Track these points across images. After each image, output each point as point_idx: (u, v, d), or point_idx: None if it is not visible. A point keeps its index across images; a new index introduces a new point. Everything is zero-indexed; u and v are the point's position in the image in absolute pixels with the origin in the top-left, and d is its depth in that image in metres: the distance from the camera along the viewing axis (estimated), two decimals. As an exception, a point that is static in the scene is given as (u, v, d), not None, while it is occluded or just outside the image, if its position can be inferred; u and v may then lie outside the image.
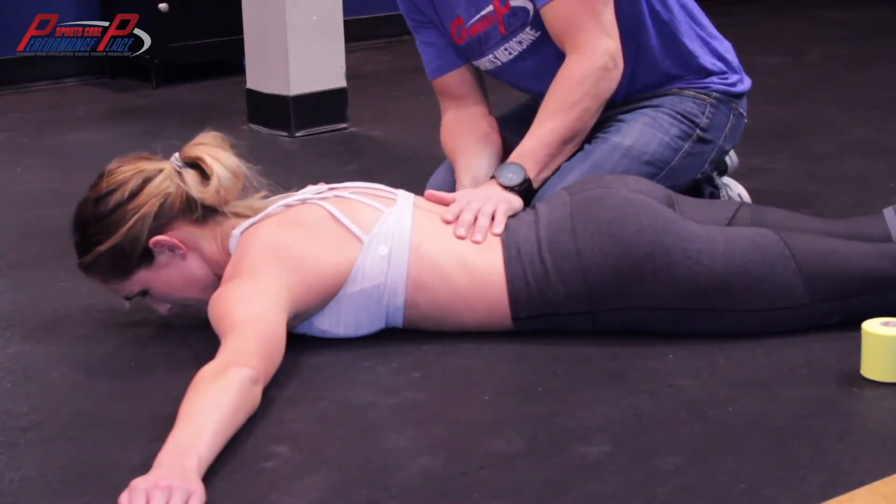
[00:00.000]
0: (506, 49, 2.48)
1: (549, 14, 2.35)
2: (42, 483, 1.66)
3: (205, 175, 2.09)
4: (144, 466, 1.68)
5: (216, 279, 2.09)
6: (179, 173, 2.09)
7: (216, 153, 2.10)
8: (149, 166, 2.09)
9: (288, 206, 2.12)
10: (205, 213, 2.09)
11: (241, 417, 1.72)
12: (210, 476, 1.65)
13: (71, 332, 2.22)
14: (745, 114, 2.60)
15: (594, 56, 2.32)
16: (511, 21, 2.43)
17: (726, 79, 2.55)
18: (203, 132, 2.14)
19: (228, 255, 2.09)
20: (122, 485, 1.63)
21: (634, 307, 2.04)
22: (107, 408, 1.88)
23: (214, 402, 1.67)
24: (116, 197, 2.06)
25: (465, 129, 2.56)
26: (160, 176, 2.08)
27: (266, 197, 2.18)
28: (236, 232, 2.09)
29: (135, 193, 2.06)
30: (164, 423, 1.82)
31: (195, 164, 2.09)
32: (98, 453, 1.74)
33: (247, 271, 1.97)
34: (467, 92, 2.60)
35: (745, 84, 2.60)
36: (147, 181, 2.07)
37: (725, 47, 2.60)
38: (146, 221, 2.05)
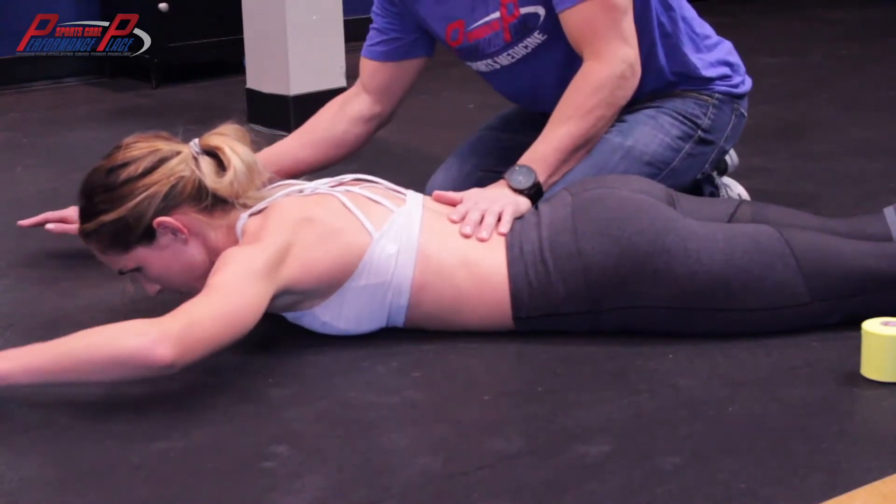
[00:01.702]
0: (509, 54, 2.47)
1: (570, 19, 2.33)
2: (42, 483, 1.66)
3: (221, 166, 2.08)
4: (144, 466, 1.68)
5: None
6: (196, 159, 2.08)
7: (235, 146, 2.09)
8: (166, 146, 2.08)
9: (301, 194, 2.12)
10: (214, 203, 2.08)
11: (100, 374, 1.81)
12: (210, 476, 1.65)
13: (71, 332, 2.20)
14: (745, 114, 2.61)
15: (613, 64, 2.31)
16: (518, 29, 2.41)
17: (729, 80, 2.55)
18: (225, 123, 2.13)
19: (234, 241, 2.08)
20: (122, 485, 1.63)
21: (635, 306, 2.04)
22: (107, 408, 1.88)
23: (69, 345, 1.81)
24: (129, 171, 2.05)
25: (327, 124, 2.61)
26: (176, 158, 2.07)
27: (271, 189, 2.18)
28: (245, 215, 2.08)
29: (148, 171, 2.05)
30: (164, 423, 1.82)
31: (213, 153, 2.09)
32: (98, 453, 1.74)
33: (262, 238, 1.98)
34: (381, 87, 2.61)
35: (747, 85, 2.60)
36: (163, 161, 2.06)
37: (727, 49, 2.60)
38: (154, 200, 2.05)
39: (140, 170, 2.05)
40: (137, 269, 2.11)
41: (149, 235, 2.06)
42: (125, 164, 2.05)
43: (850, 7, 6.11)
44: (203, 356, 1.84)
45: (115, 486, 1.64)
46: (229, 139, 2.10)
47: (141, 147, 2.07)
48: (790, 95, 4.17)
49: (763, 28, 5.76)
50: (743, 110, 2.59)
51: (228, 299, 1.87)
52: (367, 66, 2.62)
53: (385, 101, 2.62)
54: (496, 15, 2.41)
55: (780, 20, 5.96)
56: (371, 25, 2.60)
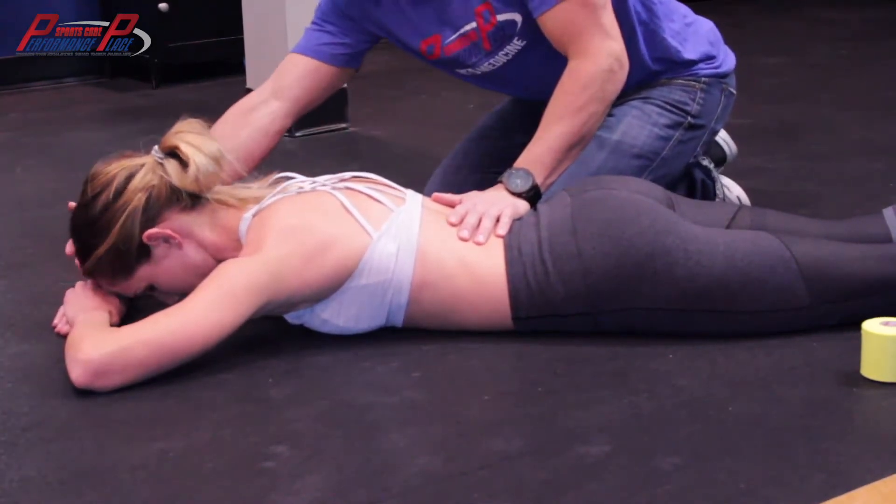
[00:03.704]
0: (490, 63, 2.46)
1: (549, 22, 2.32)
2: (42, 483, 1.66)
3: (184, 163, 2.09)
4: (144, 466, 1.68)
5: (217, 264, 2.08)
6: (161, 164, 2.09)
7: (193, 139, 2.09)
8: (130, 163, 2.10)
9: (301, 191, 2.12)
10: (192, 200, 2.09)
11: None
12: (210, 476, 1.65)
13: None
14: (734, 91, 2.59)
15: (599, 59, 2.30)
16: (497, 36, 2.39)
17: (713, 62, 2.54)
18: (180, 119, 2.13)
19: (235, 240, 2.09)
20: (122, 485, 1.63)
21: (635, 308, 2.04)
22: (107, 408, 1.88)
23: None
24: (103, 199, 2.06)
25: (239, 131, 2.46)
26: (142, 170, 2.08)
27: (272, 184, 2.18)
28: (248, 215, 2.09)
29: (120, 191, 2.06)
30: (164, 423, 1.82)
31: (174, 154, 2.09)
32: (98, 453, 1.74)
33: (262, 248, 1.99)
34: (297, 92, 2.48)
35: (731, 61, 2.58)
36: (130, 177, 2.07)
37: (707, 28, 2.58)
38: (136, 217, 2.06)
39: (112, 193, 2.06)
40: (151, 288, 2.12)
41: (145, 252, 2.08)
42: (98, 194, 2.07)
43: (850, 7, 6.10)
44: (135, 379, 1.90)
45: (115, 486, 1.64)
46: (185, 135, 2.10)
47: (107, 172, 2.09)
48: (790, 95, 4.17)
49: (763, 28, 5.76)
50: (732, 88, 2.57)
51: (180, 326, 1.91)
52: (300, 64, 2.50)
53: (296, 110, 2.50)
54: (472, 25, 2.39)
55: (780, 20, 5.96)
56: (313, 28, 2.52)
